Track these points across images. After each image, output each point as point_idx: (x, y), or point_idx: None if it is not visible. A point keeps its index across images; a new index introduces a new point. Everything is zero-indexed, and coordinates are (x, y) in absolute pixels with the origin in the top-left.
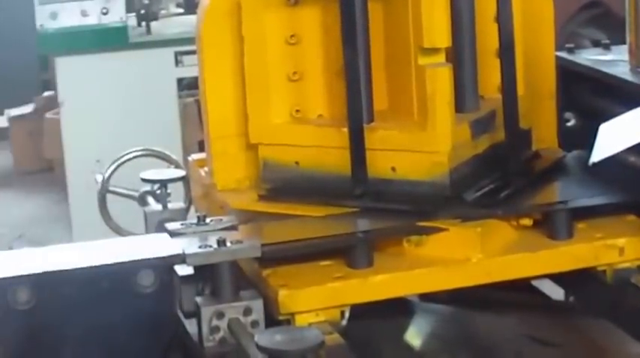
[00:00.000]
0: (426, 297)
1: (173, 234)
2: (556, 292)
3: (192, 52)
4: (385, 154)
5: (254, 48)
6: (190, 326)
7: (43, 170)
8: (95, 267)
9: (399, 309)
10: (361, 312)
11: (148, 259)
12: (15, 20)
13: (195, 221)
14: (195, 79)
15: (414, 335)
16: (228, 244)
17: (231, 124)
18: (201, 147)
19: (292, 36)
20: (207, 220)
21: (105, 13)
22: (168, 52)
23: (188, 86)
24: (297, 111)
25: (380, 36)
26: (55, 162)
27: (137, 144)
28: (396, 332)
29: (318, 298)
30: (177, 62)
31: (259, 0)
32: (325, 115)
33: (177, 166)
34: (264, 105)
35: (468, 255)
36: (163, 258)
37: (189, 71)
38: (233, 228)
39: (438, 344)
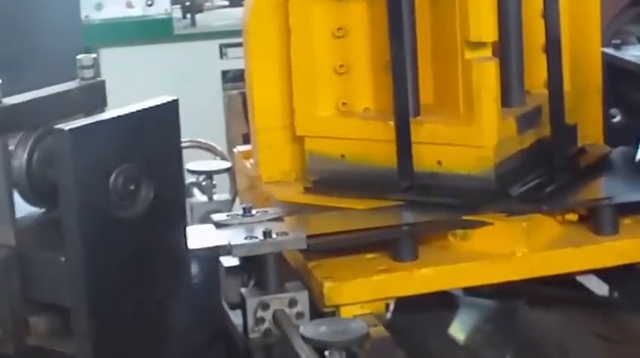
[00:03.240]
0: (470, 291)
1: (219, 225)
2: (600, 287)
3: (237, 45)
4: (431, 148)
5: (301, 41)
6: (235, 317)
7: None
8: None
9: (442, 302)
10: (405, 305)
11: (194, 250)
12: (60, 11)
13: (241, 212)
14: (240, 71)
15: (458, 329)
16: (274, 236)
17: (278, 117)
18: (245, 140)
19: (339, 29)
20: (253, 212)
21: (150, 5)
22: (213, 45)
23: (232, 79)
24: (344, 104)
25: (426, 29)
26: None
27: (182, 136)
28: (439, 326)
29: (363, 290)
30: (221, 55)
31: None
32: (371, 108)
33: (222, 158)
34: (311, 98)
35: (512, 249)
36: (209, 248)
37: (233, 64)
38: (279, 219)
39: (481, 337)
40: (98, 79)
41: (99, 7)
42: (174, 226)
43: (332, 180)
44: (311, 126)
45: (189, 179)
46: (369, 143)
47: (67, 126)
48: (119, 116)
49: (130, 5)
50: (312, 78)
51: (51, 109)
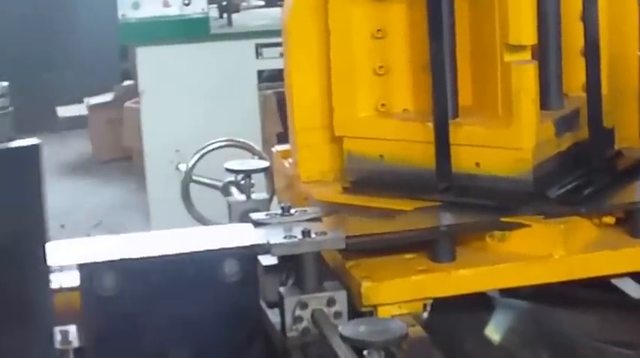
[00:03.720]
0: (506, 292)
1: (257, 223)
2: (636, 290)
3: (273, 45)
4: (469, 149)
5: (340, 41)
6: (272, 315)
7: (121, 158)
8: (181, 254)
9: (479, 304)
10: (440, 305)
11: (233, 248)
12: (97, 9)
13: (279, 211)
14: (275, 71)
15: (494, 330)
16: (313, 235)
17: (317, 116)
18: (279, 140)
19: (379, 30)
20: (292, 211)
21: (187, 4)
22: (249, 44)
23: (268, 78)
24: (383, 105)
25: (465, 31)
26: (134, 150)
27: (216, 136)
28: (476, 327)
29: (400, 291)
30: (257, 54)
31: None
32: (410, 110)
33: (260, 157)
34: (350, 98)
35: (550, 251)
36: (248, 247)
37: (269, 63)
38: (317, 219)
39: (517, 339)
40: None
41: (136, 5)
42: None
43: (370, 181)
44: (350, 126)
45: (228, 178)
46: (408, 144)
47: None
48: None
49: (166, 4)
50: (351, 79)
51: None
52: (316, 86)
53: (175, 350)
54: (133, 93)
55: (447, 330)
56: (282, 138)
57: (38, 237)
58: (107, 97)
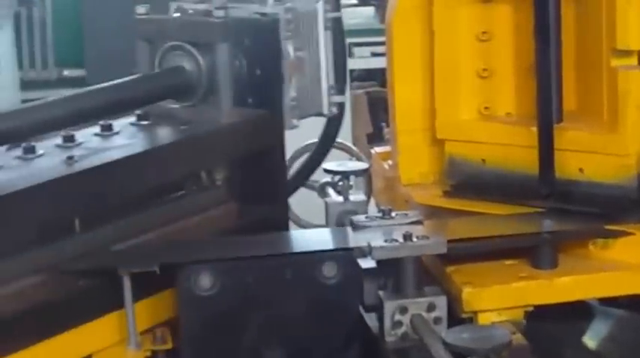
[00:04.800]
0: (606, 301)
1: (357, 226)
2: None
3: (365, 44)
4: (573, 155)
5: (445, 43)
6: (370, 320)
7: None
8: (279, 256)
9: (576, 311)
10: (538, 312)
11: (333, 250)
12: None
13: (380, 214)
14: (366, 71)
15: (592, 338)
16: (414, 239)
17: (418, 118)
18: (369, 140)
19: (484, 32)
20: (392, 214)
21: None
22: None
23: (358, 78)
24: (486, 108)
25: (571, 35)
26: None
27: (306, 135)
28: (574, 335)
29: (502, 297)
30: (349, 53)
31: None
32: (513, 113)
33: (358, 158)
34: (453, 100)
35: None
36: (348, 250)
37: (360, 63)
38: (418, 223)
39: (617, 348)
40: None
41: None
42: None
43: (471, 185)
44: (452, 129)
45: (324, 178)
46: (511, 148)
47: None
48: None
49: (263, 3)
50: (454, 81)
51: None
52: (419, 88)
53: (271, 351)
54: None
55: (544, 337)
56: (372, 138)
57: None
58: None
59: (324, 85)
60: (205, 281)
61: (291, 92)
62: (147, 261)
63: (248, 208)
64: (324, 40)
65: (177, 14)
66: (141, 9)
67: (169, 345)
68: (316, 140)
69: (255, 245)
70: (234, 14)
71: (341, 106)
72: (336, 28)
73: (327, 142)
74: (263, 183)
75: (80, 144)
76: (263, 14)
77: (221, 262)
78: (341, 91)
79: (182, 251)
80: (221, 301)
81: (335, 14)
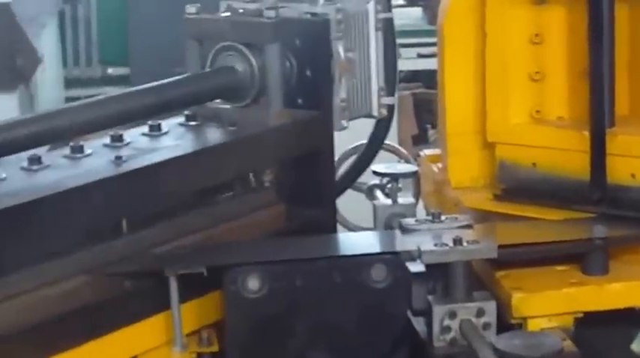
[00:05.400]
0: None
1: (406, 229)
2: None
3: (411, 45)
4: (625, 160)
5: (497, 45)
6: (418, 324)
7: None
8: (328, 258)
9: (624, 317)
10: (586, 318)
11: (382, 254)
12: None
13: (429, 218)
14: (412, 72)
15: None
16: (465, 244)
17: (469, 122)
18: (414, 141)
19: (536, 35)
20: (442, 217)
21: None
22: None
23: (404, 79)
24: (537, 111)
25: (624, 39)
26: None
27: (352, 136)
28: (623, 342)
29: (552, 303)
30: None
31: None
32: (565, 117)
33: (406, 160)
34: (504, 104)
35: None
36: (398, 253)
37: (407, 64)
38: (468, 227)
39: None
40: None
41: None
42: None
43: (522, 189)
44: (503, 132)
45: (372, 180)
46: (562, 152)
47: None
48: None
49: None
50: (506, 84)
51: None
52: (469, 90)
53: (318, 355)
54: None
55: (592, 344)
56: (417, 139)
57: None
58: None
59: (375, 87)
60: (253, 283)
61: (341, 93)
62: (194, 262)
63: (296, 210)
64: (375, 40)
65: (228, 13)
66: (191, 8)
67: (215, 348)
68: (365, 141)
69: (303, 247)
70: (284, 14)
71: (390, 108)
72: (387, 29)
73: (375, 144)
74: (311, 184)
75: (128, 144)
76: (314, 14)
77: (269, 264)
78: (391, 93)
79: (230, 253)
80: (268, 304)
81: (386, 15)
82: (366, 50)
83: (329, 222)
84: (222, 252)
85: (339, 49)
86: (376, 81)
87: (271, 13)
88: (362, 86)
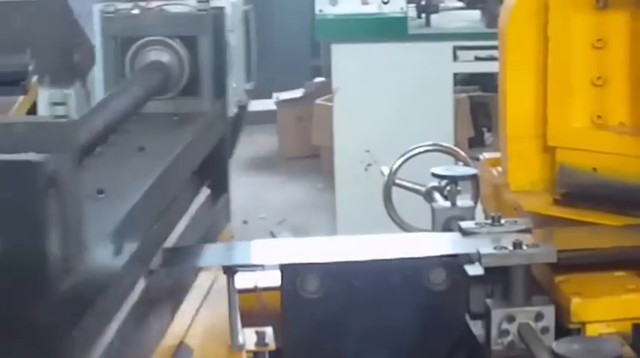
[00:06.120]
0: None
1: (466, 232)
2: None
3: (470, 48)
4: None
5: (559, 49)
6: (475, 327)
7: (308, 156)
8: (387, 260)
9: None
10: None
11: (441, 256)
12: (292, 5)
13: (489, 221)
14: (469, 75)
15: None
16: (524, 247)
17: (530, 125)
18: (470, 144)
19: (599, 40)
20: (502, 221)
21: (385, 3)
22: (447, 46)
23: (461, 81)
24: (598, 116)
25: None
26: (322, 148)
27: (408, 138)
28: None
29: (610, 309)
30: (454, 57)
31: (568, 2)
32: (627, 123)
33: (465, 163)
34: (565, 108)
35: None
36: (457, 256)
37: (465, 67)
38: (527, 231)
39: None
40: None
41: (334, 2)
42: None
43: (582, 194)
44: (564, 137)
45: (431, 183)
46: (623, 158)
47: None
48: None
49: (365, 2)
50: (567, 88)
51: None
52: (531, 94)
53: (374, 355)
54: (324, 90)
55: None
56: (473, 142)
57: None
58: (297, 93)
59: (241, 74)
60: (311, 283)
61: (232, 81)
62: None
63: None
64: (241, 31)
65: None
66: (108, 7)
67: (272, 347)
68: (426, 143)
69: (361, 248)
70: (175, 9)
71: (250, 93)
72: (247, 20)
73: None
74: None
75: None
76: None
77: (327, 264)
78: (251, 79)
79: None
80: (326, 304)
81: (246, 7)
82: (237, 40)
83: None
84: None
85: (231, 39)
86: (242, 68)
87: (203, 6)
88: (237, 73)
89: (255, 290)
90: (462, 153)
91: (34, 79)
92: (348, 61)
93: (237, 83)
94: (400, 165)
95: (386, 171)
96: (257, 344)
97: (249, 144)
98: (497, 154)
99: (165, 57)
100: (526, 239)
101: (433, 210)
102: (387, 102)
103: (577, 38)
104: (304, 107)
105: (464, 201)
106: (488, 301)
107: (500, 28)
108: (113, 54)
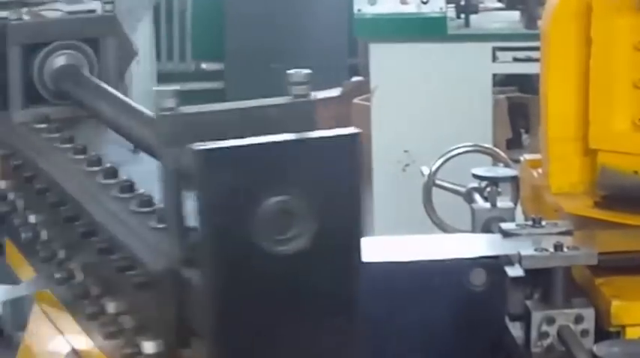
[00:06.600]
0: None
1: (507, 234)
2: None
3: (509, 49)
4: None
5: (602, 51)
6: (514, 329)
7: None
8: (428, 261)
9: None
10: None
11: (482, 257)
12: (330, 4)
13: (529, 223)
14: (507, 75)
15: None
16: (565, 249)
17: (571, 127)
18: (508, 145)
19: None
20: (542, 223)
21: (424, 2)
22: (486, 47)
23: (499, 82)
24: None
25: None
26: None
27: (446, 138)
28: None
29: None
30: (494, 58)
31: (611, 3)
32: None
33: (505, 164)
34: (607, 110)
35: None
36: (498, 257)
37: (504, 67)
38: (568, 233)
39: None
40: (309, 98)
41: (372, 1)
42: (344, 267)
43: (623, 196)
44: (605, 139)
45: (471, 184)
46: None
47: (203, 146)
48: (273, 142)
49: (404, 2)
50: (610, 91)
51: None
52: (572, 96)
53: (413, 356)
54: (361, 89)
55: None
56: (511, 143)
57: (355, 230)
58: (334, 92)
59: None
60: None
61: None
62: None
63: None
64: None
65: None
66: (12, 14)
67: None
68: (466, 144)
69: (402, 248)
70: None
71: None
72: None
73: None
74: None
75: None
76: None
77: (368, 265)
78: None
79: None
80: (366, 304)
81: None
82: None
83: None
84: None
85: None
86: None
87: (108, 7)
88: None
89: None
90: (503, 154)
91: None
92: (386, 60)
93: None
94: (440, 166)
95: (426, 171)
96: None
97: None
98: (538, 156)
99: (74, 61)
100: (567, 241)
101: (473, 211)
102: (425, 103)
103: (619, 40)
104: (341, 106)
105: (504, 202)
106: (528, 303)
107: (543, 29)
108: (19, 62)
